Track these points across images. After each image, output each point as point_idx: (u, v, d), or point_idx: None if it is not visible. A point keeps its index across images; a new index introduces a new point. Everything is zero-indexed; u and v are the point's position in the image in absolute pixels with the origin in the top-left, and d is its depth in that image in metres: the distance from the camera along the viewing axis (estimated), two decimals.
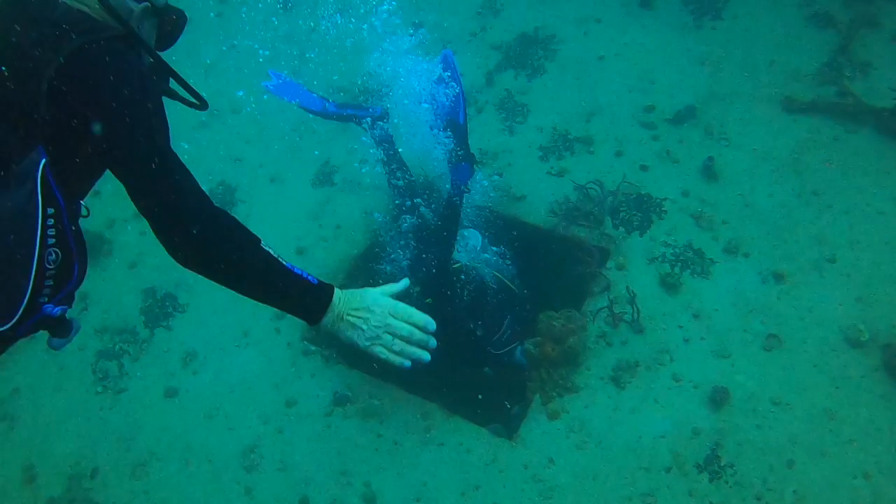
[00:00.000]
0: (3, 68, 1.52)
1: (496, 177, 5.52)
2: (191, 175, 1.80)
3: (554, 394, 4.38)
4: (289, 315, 4.69)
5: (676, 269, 4.81)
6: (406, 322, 1.95)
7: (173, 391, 4.69)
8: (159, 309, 5.06)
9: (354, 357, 4.78)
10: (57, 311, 1.60)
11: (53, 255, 1.53)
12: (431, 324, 2.01)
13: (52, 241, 1.52)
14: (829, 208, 4.97)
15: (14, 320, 1.47)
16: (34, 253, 1.47)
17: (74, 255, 1.60)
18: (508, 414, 4.49)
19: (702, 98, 5.81)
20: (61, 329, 1.68)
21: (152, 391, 4.72)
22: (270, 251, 1.86)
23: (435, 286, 4.53)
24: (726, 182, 5.26)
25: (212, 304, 5.08)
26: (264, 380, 4.69)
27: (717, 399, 4.15)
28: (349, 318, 1.94)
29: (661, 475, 3.97)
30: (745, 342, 4.42)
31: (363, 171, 5.59)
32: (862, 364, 4.23)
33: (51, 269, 1.52)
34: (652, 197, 5.21)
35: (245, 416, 4.53)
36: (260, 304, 1.94)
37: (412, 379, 4.64)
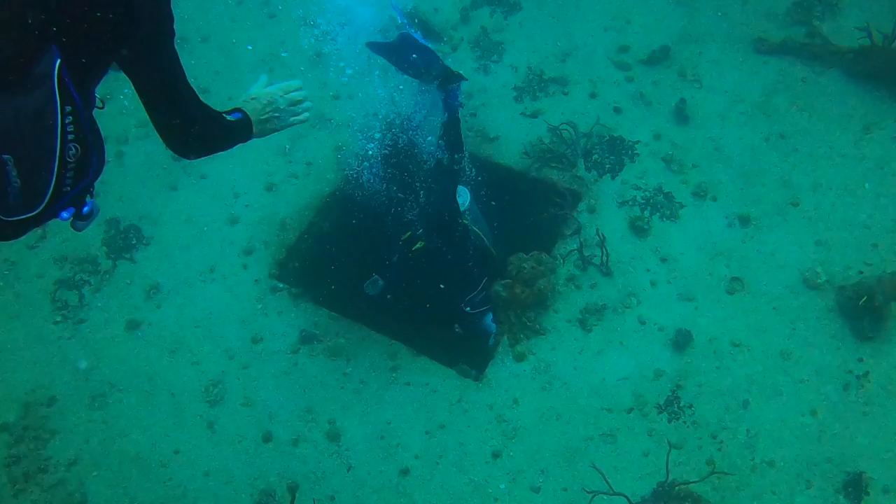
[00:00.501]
0: None
1: (469, 117, 5.44)
2: (184, 74, 2.03)
3: (521, 336, 4.41)
4: (256, 251, 4.75)
5: (646, 213, 4.83)
6: (293, 92, 2.53)
7: (135, 324, 4.62)
8: (122, 240, 4.93)
9: (322, 295, 4.76)
10: (88, 206, 1.82)
11: (73, 150, 1.63)
12: (297, 82, 2.59)
13: (71, 136, 1.61)
14: (795, 151, 5.01)
15: (39, 209, 1.62)
16: (56, 148, 1.58)
17: (92, 147, 1.70)
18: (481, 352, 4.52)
19: (676, 38, 5.72)
20: (84, 214, 1.85)
21: (114, 323, 4.63)
22: (227, 118, 2.29)
23: (438, 229, 4.52)
24: (697, 125, 5.25)
25: (177, 237, 4.96)
26: (230, 315, 4.64)
27: (680, 342, 4.24)
28: (264, 117, 2.45)
29: (623, 416, 4.06)
30: (710, 285, 4.49)
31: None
32: (818, 306, 4.36)
33: (71, 163, 1.63)
34: (624, 140, 5.19)
35: (210, 351, 4.49)
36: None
37: (382, 319, 4.65)
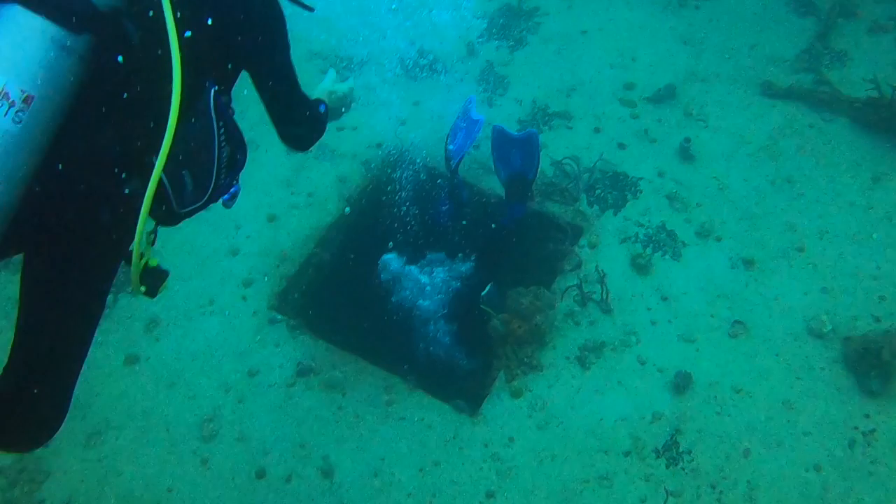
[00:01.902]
0: (209, 20, 1.99)
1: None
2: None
3: (518, 372, 4.36)
4: (256, 283, 4.88)
5: (648, 251, 4.80)
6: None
7: (134, 358, 4.58)
8: (124, 274, 4.91)
9: (321, 327, 4.74)
10: (234, 189, 2.26)
11: (225, 153, 2.08)
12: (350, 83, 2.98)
13: (223, 143, 2.06)
14: (801, 196, 4.97)
15: (205, 199, 2.08)
16: (215, 157, 2.04)
17: (237, 146, 2.16)
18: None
19: (682, 78, 5.74)
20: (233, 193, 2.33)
21: (112, 358, 4.59)
22: (320, 109, 2.68)
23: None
24: (702, 164, 5.24)
25: (178, 269, 4.88)
26: (228, 348, 4.61)
27: (680, 384, 4.17)
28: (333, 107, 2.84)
29: (620, 459, 3.99)
30: (712, 327, 4.43)
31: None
32: (822, 356, 4.27)
33: (224, 161, 2.09)
34: (628, 176, 5.19)
35: (206, 385, 4.45)
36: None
37: (379, 352, 4.62)
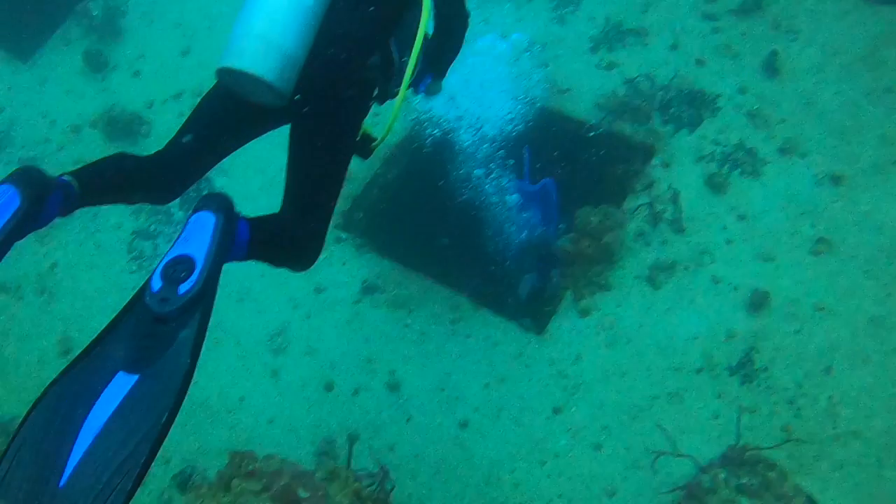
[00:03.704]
0: None
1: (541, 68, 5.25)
2: None
3: (586, 291, 4.26)
4: None
5: (725, 169, 4.55)
6: None
7: None
8: (194, 190, 5.00)
9: (385, 246, 4.73)
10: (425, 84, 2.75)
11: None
12: None
13: (432, 35, 2.60)
14: None
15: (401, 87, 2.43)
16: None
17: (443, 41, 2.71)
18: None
19: None
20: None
21: None
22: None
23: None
24: (788, 78, 4.89)
25: (245, 188, 5.01)
26: None
27: (757, 302, 3.99)
28: None
29: (691, 376, 3.87)
30: (792, 246, 4.20)
31: None
32: None
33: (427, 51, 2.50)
34: (705, 93, 4.89)
35: (274, 301, 4.54)
36: None
37: (443, 270, 4.58)
